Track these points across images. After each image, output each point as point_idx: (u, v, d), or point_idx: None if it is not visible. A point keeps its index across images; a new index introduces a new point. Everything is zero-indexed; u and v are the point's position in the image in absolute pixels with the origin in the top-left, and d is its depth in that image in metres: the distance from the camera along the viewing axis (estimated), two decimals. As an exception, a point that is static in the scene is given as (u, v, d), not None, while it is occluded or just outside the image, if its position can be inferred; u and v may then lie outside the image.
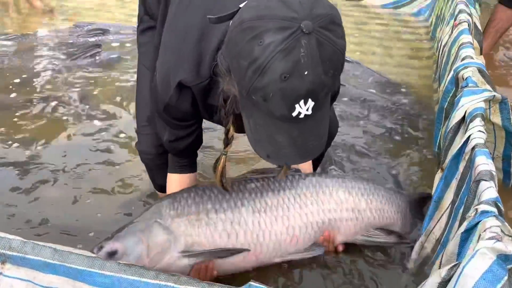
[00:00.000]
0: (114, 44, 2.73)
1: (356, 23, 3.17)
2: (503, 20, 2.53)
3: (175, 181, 1.24)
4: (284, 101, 0.77)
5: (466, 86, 1.41)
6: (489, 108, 1.43)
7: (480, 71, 1.50)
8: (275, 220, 1.12)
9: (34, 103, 2.06)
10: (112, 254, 1.02)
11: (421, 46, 2.84)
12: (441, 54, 2.13)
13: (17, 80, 2.27)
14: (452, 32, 1.96)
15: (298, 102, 0.78)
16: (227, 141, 1.06)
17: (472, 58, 1.60)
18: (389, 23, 3.20)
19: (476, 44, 2.36)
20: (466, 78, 1.45)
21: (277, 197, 1.14)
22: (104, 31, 2.83)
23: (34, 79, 2.29)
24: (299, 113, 0.79)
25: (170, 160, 1.24)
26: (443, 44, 2.13)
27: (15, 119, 1.93)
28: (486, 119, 1.35)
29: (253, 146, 0.89)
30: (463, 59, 1.61)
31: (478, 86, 1.41)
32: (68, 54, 2.56)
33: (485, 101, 1.34)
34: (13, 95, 2.13)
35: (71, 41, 2.73)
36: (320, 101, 0.80)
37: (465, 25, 1.83)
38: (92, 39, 2.73)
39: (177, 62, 1.02)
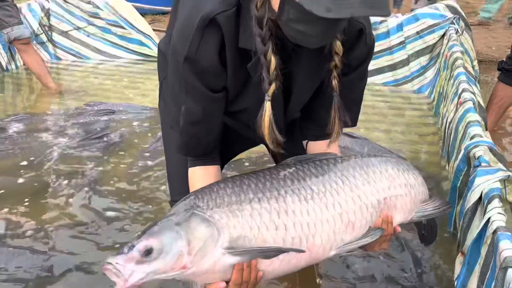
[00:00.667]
0: (123, 123, 2.78)
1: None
2: (505, 97, 2.58)
3: (200, 175, 1.09)
4: None
5: (479, 166, 1.40)
6: (505, 188, 1.40)
7: (491, 149, 1.49)
8: (325, 208, 0.98)
9: (42, 187, 2.05)
10: (147, 253, 0.86)
11: (425, 122, 2.88)
12: (448, 131, 2.14)
13: (25, 163, 2.28)
14: (457, 109, 1.99)
15: None
16: (269, 80, 0.92)
17: (481, 136, 1.61)
18: (392, 100, 3.26)
19: (480, 119, 2.39)
20: (478, 157, 1.44)
21: (323, 182, 1.00)
22: (114, 111, 2.89)
23: (42, 161, 2.30)
24: None
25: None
26: (448, 121, 2.15)
27: (22, 206, 1.91)
28: (503, 199, 1.33)
29: (306, 3, 0.75)
30: (472, 138, 1.62)
31: (491, 166, 1.40)
32: (78, 135, 2.59)
33: (500, 181, 1.32)
34: (20, 180, 2.13)
35: (81, 121, 2.77)
36: None
37: (470, 104, 1.86)
38: (103, 119, 2.78)
39: (198, 1, 0.93)
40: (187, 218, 0.90)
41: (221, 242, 0.90)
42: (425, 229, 1.25)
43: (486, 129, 2.48)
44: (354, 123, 1.20)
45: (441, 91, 2.74)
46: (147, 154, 2.39)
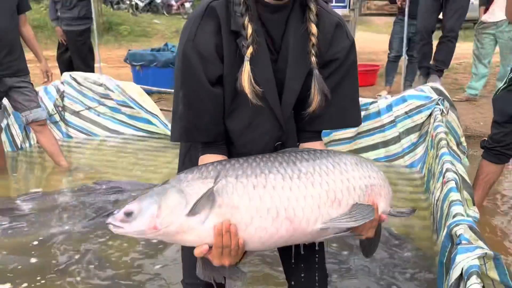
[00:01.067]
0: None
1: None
2: (490, 174, 2.74)
3: (210, 158, 1.17)
4: None
5: (459, 244, 1.52)
6: (484, 264, 1.52)
7: (471, 228, 1.62)
8: (311, 185, 1.06)
9: (53, 266, 2.16)
10: (128, 214, 1.04)
11: (418, 197, 3.02)
12: (435, 208, 2.28)
13: (36, 242, 2.40)
14: (442, 188, 2.15)
15: None
16: (247, 43, 1.07)
17: (462, 215, 1.75)
18: (386, 176, 3.42)
19: (467, 196, 2.54)
20: (459, 235, 1.57)
21: (313, 165, 1.09)
22: (122, 190, 3.05)
23: (53, 240, 2.42)
24: None
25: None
26: (436, 198, 2.30)
27: (35, 286, 2.01)
28: (483, 275, 1.44)
29: None
30: (454, 216, 1.75)
31: (471, 243, 1.53)
32: (87, 214, 2.72)
33: (479, 258, 1.44)
34: (32, 260, 2.23)
35: (91, 200, 2.92)
36: None
37: (452, 183, 2.02)
38: (112, 198, 2.93)
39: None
40: (166, 190, 1.05)
41: (185, 211, 1.02)
42: (368, 241, 1.29)
43: (474, 204, 2.63)
44: (357, 122, 1.31)
45: (430, 168, 2.92)
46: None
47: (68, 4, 4.91)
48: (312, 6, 1.14)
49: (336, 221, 1.07)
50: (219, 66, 1.11)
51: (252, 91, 1.09)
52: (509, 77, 2.64)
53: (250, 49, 1.08)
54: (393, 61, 5.57)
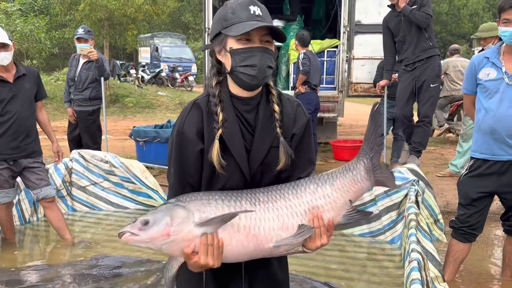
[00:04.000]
0: (128, 278, 3.14)
1: (341, 251, 3.66)
2: (459, 252, 2.99)
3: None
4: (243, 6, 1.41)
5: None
6: None
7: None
8: (266, 210, 1.41)
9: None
10: (145, 223, 1.34)
11: (396, 272, 3.24)
12: (406, 285, 2.51)
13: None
14: (408, 267, 2.40)
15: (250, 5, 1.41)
16: (218, 127, 1.44)
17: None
18: (369, 251, 3.67)
19: (437, 273, 2.78)
20: (413, 312, 1.82)
21: (267, 196, 1.44)
22: (119, 266, 3.28)
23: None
24: (254, 12, 1.41)
25: None
26: (405, 276, 2.54)
27: None
28: None
29: (239, 31, 1.39)
30: (412, 294, 2.00)
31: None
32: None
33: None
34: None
35: (94, 273, 3.16)
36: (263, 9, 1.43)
37: (414, 263, 2.28)
38: (109, 274, 3.16)
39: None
40: (172, 206, 1.38)
41: (193, 220, 1.35)
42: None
43: (444, 280, 2.86)
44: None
45: (405, 246, 3.17)
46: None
47: (80, 87, 5.39)
48: (274, 92, 1.55)
49: (284, 240, 1.41)
50: (200, 144, 1.48)
51: (219, 163, 1.46)
52: (469, 164, 2.98)
53: (220, 131, 1.44)
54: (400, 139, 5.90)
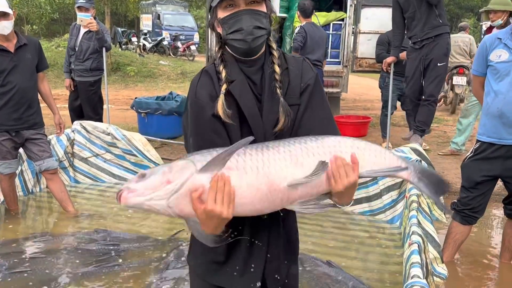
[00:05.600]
0: (128, 253, 3.17)
1: (341, 228, 3.69)
2: (459, 233, 3.01)
3: None
4: None
5: (412, 304, 1.79)
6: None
7: (423, 289, 1.89)
8: (277, 152, 1.31)
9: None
10: (142, 176, 1.24)
11: (394, 252, 3.28)
12: (404, 270, 2.54)
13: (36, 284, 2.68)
14: (408, 249, 2.42)
15: None
16: (222, 82, 1.42)
17: (419, 277, 2.02)
18: (369, 230, 3.70)
19: (436, 254, 2.80)
20: (413, 296, 1.84)
21: (280, 142, 1.35)
22: (121, 240, 3.31)
23: (55, 286, 2.69)
24: None
25: None
26: (404, 257, 2.57)
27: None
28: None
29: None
30: (412, 277, 2.02)
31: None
32: (89, 261, 3.00)
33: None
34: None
35: (93, 248, 3.19)
36: None
37: (415, 246, 2.29)
38: (111, 248, 3.20)
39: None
40: (175, 161, 1.29)
41: (194, 167, 1.25)
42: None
43: (443, 262, 2.88)
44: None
45: (405, 226, 3.19)
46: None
47: (82, 57, 5.32)
48: (275, 53, 1.52)
49: (300, 180, 1.29)
50: (215, 108, 1.45)
51: (224, 113, 1.42)
52: (475, 147, 2.96)
53: (224, 86, 1.43)
54: (387, 115, 5.88)
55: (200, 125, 1.46)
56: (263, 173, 1.28)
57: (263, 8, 1.44)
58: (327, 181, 1.31)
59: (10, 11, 3.40)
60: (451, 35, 7.62)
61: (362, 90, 12.43)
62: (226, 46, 1.49)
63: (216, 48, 1.52)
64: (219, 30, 1.47)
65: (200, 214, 1.24)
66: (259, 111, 1.47)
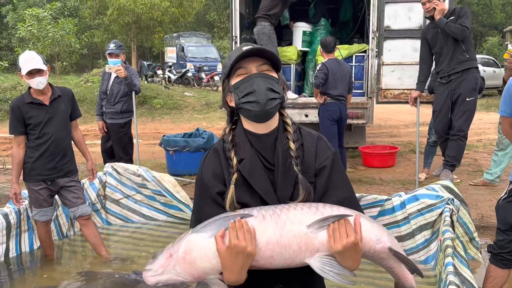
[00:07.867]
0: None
1: (375, 271, 3.63)
2: (498, 278, 2.92)
3: None
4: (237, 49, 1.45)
5: None
6: None
7: None
8: (293, 208, 1.39)
9: None
10: (153, 257, 1.44)
11: (431, 296, 3.19)
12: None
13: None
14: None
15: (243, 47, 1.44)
16: (233, 171, 1.43)
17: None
18: (401, 270, 3.61)
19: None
20: None
21: (283, 205, 1.41)
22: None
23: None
24: (246, 49, 1.41)
25: None
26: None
27: None
28: None
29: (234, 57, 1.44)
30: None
31: None
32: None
33: None
34: None
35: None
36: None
37: (453, 298, 2.24)
38: None
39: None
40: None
41: (190, 232, 1.40)
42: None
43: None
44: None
45: (440, 270, 3.11)
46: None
47: (112, 101, 5.51)
48: (289, 129, 1.51)
49: (316, 221, 1.35)
50: (219, 186, 1.47)
51: (231, 206, 1.42)
52: (509, 189, 2.89)
53: (235, 176, 1.43)
54: (432, 145, 5.85)
55: (203, 205, 1.49)
56: (283, 220, 1.34)
57: (275, 75, 1.48)
58: (327, 241, 1.34)
59: (44, 67, 3.57)
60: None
61: (387, 115, 12.35)
62: (238, 113, 1.50)
63: (227, 130, 1.52)
64: (231, 101, 1.49)
65: (223, 254, 1.29)
66: (272, 185, 1.47)
